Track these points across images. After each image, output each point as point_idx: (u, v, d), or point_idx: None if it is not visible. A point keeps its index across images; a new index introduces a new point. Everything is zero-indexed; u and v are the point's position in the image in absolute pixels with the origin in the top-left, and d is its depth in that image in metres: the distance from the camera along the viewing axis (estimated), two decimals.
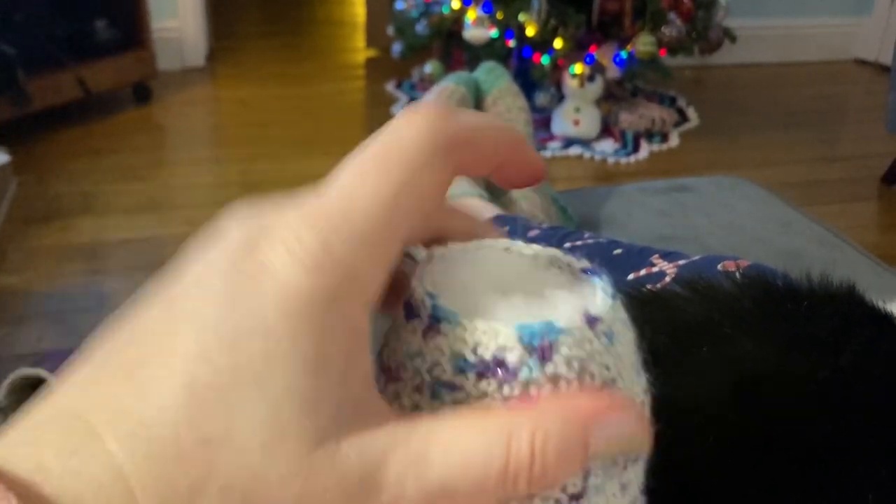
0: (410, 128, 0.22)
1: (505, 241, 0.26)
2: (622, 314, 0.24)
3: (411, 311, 0.23)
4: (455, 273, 0.24)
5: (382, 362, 0.24)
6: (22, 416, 0.19)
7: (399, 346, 0.23)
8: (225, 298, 0.19)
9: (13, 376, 1.31)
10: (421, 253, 0.25)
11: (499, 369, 0.21)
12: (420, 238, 0.25)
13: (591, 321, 0.22)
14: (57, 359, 1.38)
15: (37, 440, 0.18)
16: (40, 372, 1.32)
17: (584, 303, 0.23)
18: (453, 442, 0.20)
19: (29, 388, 1.33)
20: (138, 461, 0.17)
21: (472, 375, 0.21)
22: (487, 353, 0.21)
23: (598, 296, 0.24)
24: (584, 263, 0.25)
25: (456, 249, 0.25)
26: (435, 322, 0.22)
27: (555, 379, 0.21)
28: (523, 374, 0.21)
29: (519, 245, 0.26)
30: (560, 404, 0.21)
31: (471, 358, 0.21)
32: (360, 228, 0.20)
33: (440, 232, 0.25)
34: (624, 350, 0.23)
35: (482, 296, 0.23)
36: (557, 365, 0.21)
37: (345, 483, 0.19)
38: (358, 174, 0.21)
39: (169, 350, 0.19)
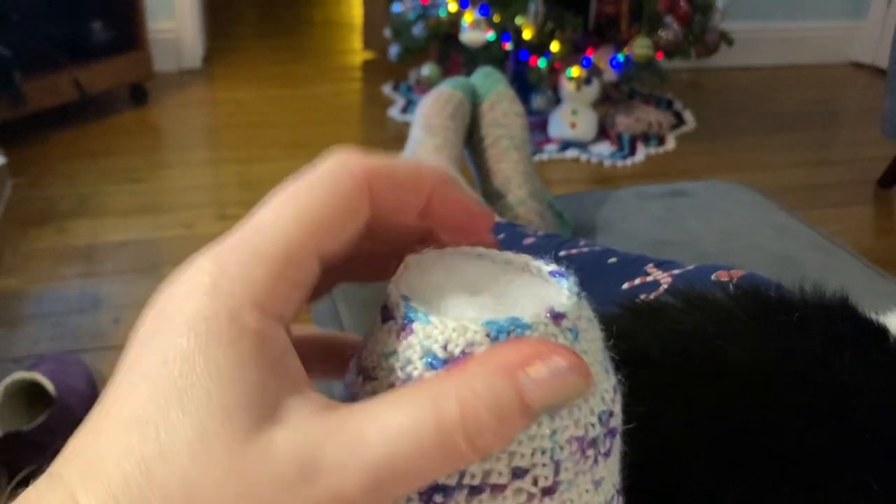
0: (324, 163, 0.24)
1: (479, 249, 0.27)
2: (587, 312, 0.25)
3: (387, 314, 0.24)
4: (428, 278, 0.25)
5: (360, 363, 0.25)
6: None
7: (375, 347, 0.24)
8: (146, 338, 0.22)
9: (8, 379, 1.31)
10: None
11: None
12: (410, 233, 0.27)
13: (556, 317, 0.23)
14: (52, 362, 1.38)
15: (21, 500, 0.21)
16: (35, 375, 1.32)
17: (549, 301, 0.24)
18: (387, 417, 0.21)
19: (24, 391, 1.33)
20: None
21: (442, 371, 0.22)
22: (457, 349, 0.22)
23: (564, 294, 0.24)
24: (552, 266, 0.26)
25: (431, 256, 0.26)
26: (408, 322, 0.23)
27: None
28: None
29: (492, 253, 0.27)
30: (485, 361, 0.21)
31: (441, 354, 0.22)
32: (259, 249, 0.22)
33: (436, 220, 0.26)
34: (589, 346, 0.24)
35: (453, 297, 0.24)
36: None
37: (281, 474, 0.20)
38: (267, 205, 0.23)
39: (116, 400, 0.21)
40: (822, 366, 0.36)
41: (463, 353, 0.22)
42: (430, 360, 0.22)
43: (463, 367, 0.21)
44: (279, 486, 0.19)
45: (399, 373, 0.23)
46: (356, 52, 3.46)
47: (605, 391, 0.24)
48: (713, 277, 0.54)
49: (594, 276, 0.63)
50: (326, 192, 0.23)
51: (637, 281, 0.59)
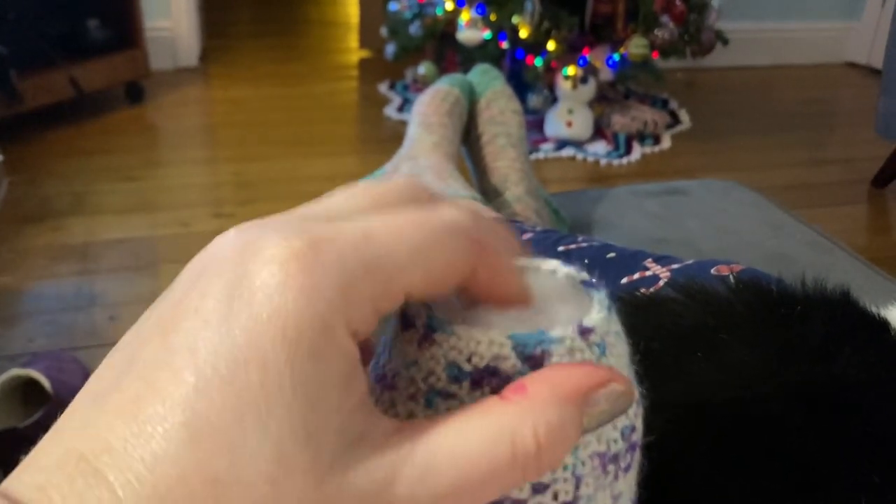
0: (460, 210, 0.22)
1: None
2: (616, 326, 0.24)
3: (407, 322, 0.23)
4: None
5: (378, 372, 0.24)
6: (32, 456, 0.19)
7: (395, 356, 0.23)
8: (219, 327, 0.19)
9: (4, 376, 1.31)
10: None
11: (493, 378, 0.22)
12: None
13: (584, 332, 0.23)
14: (48, 359, 1.37)
15: (46, 484, 0.18)
16: (31, 372, 1.31)
17: (578, 314, 0.23)
18: (458, 447, 0.20)
19: (20, 388, 1.32)
20: None
21: (466, 384, 0.22)
22: (482, 362, 0.22)
23: (594, 308, 0.24)
24: (584, 275, 0.26)
25: None
26: (430, 332, 0.22)
27: None
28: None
29: (521, 258, 0.26)
30: (552, 390, 0.21)
31: (465, 367, 0.22)
32: (369, 263, 0.20)
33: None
34: (615, 361, 0.24)
35: (478, 308, 0.24)
36: None
37: None
38: (386, 213, 0.21)
39: (166, 386, 0.18)
40: (824, 359, 0.36)
41: (488, 366, 0.22)
42: (454, 372, 0.22)
43: (535, 395, 0.21)
44: None
45: (421, 384, 0.22)
46: (352, 50, 3.46)
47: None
48: (713, 272, 0.54)
49: (593, 272, 0.64)
50: (449, 249, 0.21)
51: (636, 275, 0.59)
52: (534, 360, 0.22)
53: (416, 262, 0.20)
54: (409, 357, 0.23)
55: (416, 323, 0.23)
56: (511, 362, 0.22)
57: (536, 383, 0.21)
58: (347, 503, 0.19)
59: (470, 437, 0.20)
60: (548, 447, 0.20)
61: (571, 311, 0.24)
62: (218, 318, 0.19)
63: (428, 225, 0.21)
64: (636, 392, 0.23)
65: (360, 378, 0.20)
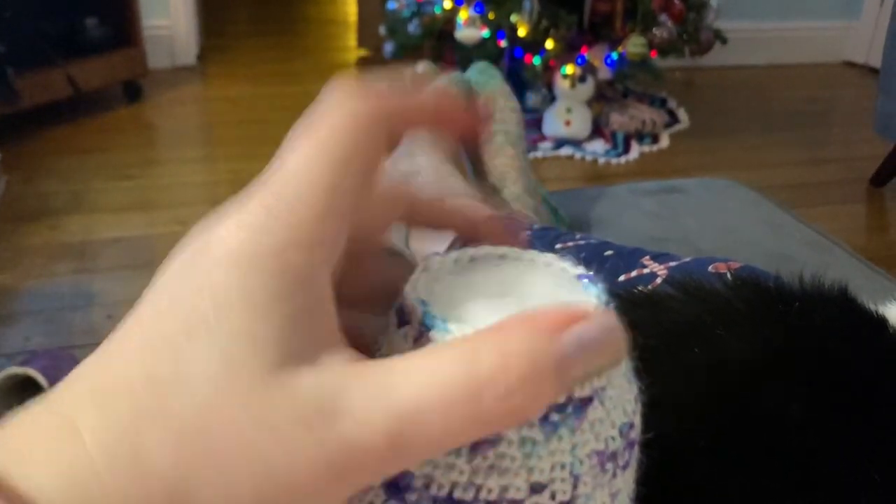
0: (342, 110, 0.23)
1: (503, 248, 0.26)
2: None
3: (403, 318, 0.23)
4: (448, 280, 0.24)
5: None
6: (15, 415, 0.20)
7: (390, 352, 0.23)
8: (180, 270, 0.21)
9: (2, 375, 1.30)
10: (409, 251, 0.25)
11: None
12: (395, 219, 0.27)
13: None
14: (45, 358, 1.37)
15: (19, 436, 0.19)
16: (28, 371, 1.31)
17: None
18: (416, 366, 0.20)
19: (17, 387, 1.32)
20: (98, 422, 0.19)
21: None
22: None
23: (591, 303, 0.24)
24: (580, 269, 0.25)
25: (450, 257, 0.25)
26: (425, 330, 0.22)
27: None
28: None
29: (515, 252, 0.26)
30: (524, 320, 0.20)
31: None
32: (301, 192, 0.21)
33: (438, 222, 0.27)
34: None
35: (473, 303, 0.23)
36: None
37: (301, 411, 0.19)
38: (294, 150, 0.22)
39: (132, 325, 0.20)
40: (822, 356, 0.36)
41: None
42: None
43: (501, 325, 0.20)
44: (298, 423, 0.19)
45: None
46: (351, 49, 3.46)
47: (627, 402, 0.24)
48: (710, 269, 0.54)
49: (591, 269, 0.63)
50: (358, 151, 0.22)
51: (634, 273, 0.59)
52: None
53: (334, 171, 0.22)
54: (402, 353, 0.22)
55: (411, 320, 0.23)
56: None
57: (511, 318, 0.21)
58: (289, 406, 0.19)
59: (431, 358, 0.20)
60: (508, 375, 0.19)
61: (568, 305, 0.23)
62: (180, 265, 0.21)
63: (324, 132, 0.22)
64: (618, 386, 0.23)
65: (323, 303, 0.21)
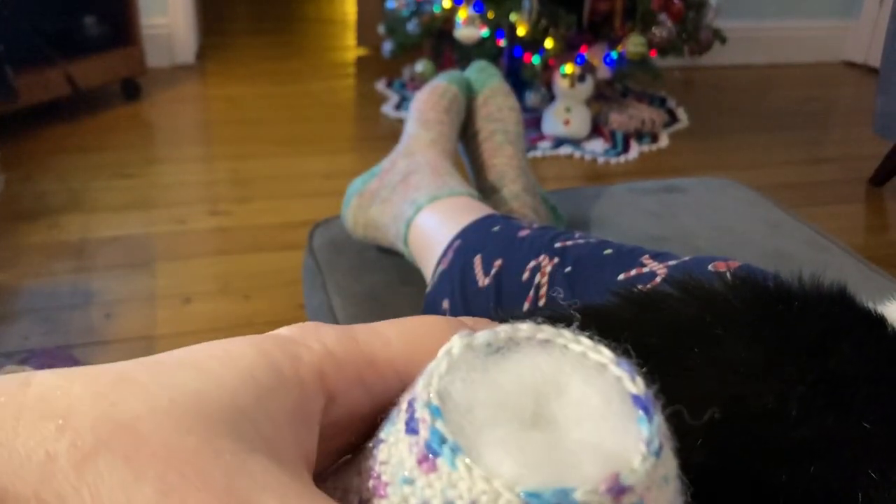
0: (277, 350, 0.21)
1: (548, 331, 0.21)
2: (663, 470, 0.19)
3: (412, 424, 0.20)
4: (472, 377, 0.20)
5: (370, 468, 0.21)
6: None
7: (392, 457, 0.20)
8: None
9: (0, 373, 1.30)
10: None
11: None
12: None
13: (619, 492, 0.18)
14: (44, 356, 1.37)
15: None
16: (27, 369, 1.31)
17: (616, 461, 0.19)
18: None
19: None
20: None
21: None
22: None
23: (639, 452, 0.19)
24: (637, 385, 0.20)
25: (482, 338, 0.21)
26: (431, 454, 0.19)
27: None
28: None
29: (566, 335, 0.21)
30: None
31: None
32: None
33: None
34: None
35: (494, 426, 0.19)
36: None
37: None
38: (213, 356, 0.21)
39: None
40: (821, 355, 0.36)
41: None
42: None
43: None
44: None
45: None
46: (350, 48, 3.46)
47: None
48: (710, 268, 0.54)
49: (590, 268, 0.63)
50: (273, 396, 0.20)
51: (633, 272, 0.59)
52: None
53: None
54: (405, 469, 0.20)
55: (418, 429, 0.19)
56: None
57: None
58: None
59: None
60: None
61: (608, 452, 0.19)
62: None
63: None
64: None
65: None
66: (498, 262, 0.72)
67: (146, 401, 0.18)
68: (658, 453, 0.19)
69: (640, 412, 0.20)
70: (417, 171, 0.96)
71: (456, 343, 0.21)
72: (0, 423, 0.17)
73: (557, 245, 0.69)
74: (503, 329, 0.21)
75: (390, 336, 0.22)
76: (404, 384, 0.22)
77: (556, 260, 0.67)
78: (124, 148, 2.37)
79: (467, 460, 0.18)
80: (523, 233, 0.74)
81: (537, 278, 0.67)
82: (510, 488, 0.18)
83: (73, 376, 0.18)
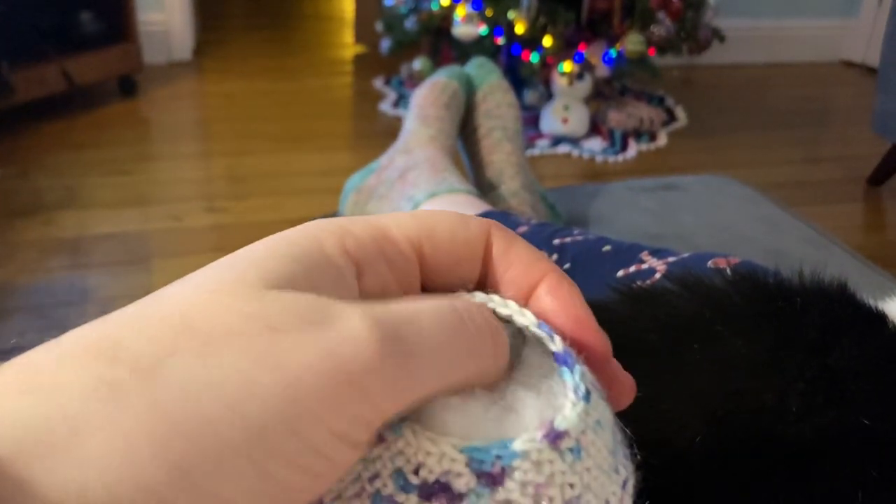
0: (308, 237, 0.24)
1: (479, 296, 0.23)
2: (595, 414, 0.21)
3: None
4: None
5: None
6: None
7: None
8: None
9: None
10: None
11: (443, 494, 0.19)
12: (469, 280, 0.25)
13: (556, 437, 0.20)
14: None
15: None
16: None
17: (550, 411, 0.20)
18: (404, 301, 0.21)
19: None
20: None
21: (414, 497, 0.19)
22: (431, 477, 0.19)
23: (569, 400, 0.21)
24: (559, 345, 0.22)
25: None
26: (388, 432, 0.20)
27: None
28: (470, 501, 0.19)
29: (494, 301, 0.23)
30: None
31: (413, 479, 0.19)
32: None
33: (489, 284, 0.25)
34: (595, 460, 0.21)
35: (439, 396, 0.21)
36: (510, 491, 0.19)
37: (291, 315, 0.19)
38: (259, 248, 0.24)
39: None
40: (821, 351, 0.36)
41: (438, 481, 0.19)
42: (401, 482, 0.19)
43: None
44: (292, 323, 0.19)
45: (367, 485, 0.20)
46: (347, 45, 3.45)
47: (612, 493, 0.22)
48: (710, 264, 0.53)
49: (589, 264, 0.63)
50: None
51: (632, 268, 0.58)
52: (492, 478, 0.19)
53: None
54: None
55: None
56: (465, 479, 0.19)
57: None
58: (284, 313, 0.19)
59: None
60: (482, 318, 0.21)
61: (542, 405, 0.21)
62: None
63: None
64: (599, 485, 0.21)
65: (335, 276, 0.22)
66: None
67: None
68: (587, 398, 0.21)
69: (564, 366, 0.22)
70: (416, 168, 0.96)
71: None
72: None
73: (556, 241, 0.68)
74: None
75: (400, 216, 0.24)
76: (419, 261, 0.24)
77: (554, 256, 0.67)
78: (120, 144, 2.37)
79: (415, 426, 0.19)
80: (522, 229, 0.74)
81: None
82: (453, 447, 0.19)
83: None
